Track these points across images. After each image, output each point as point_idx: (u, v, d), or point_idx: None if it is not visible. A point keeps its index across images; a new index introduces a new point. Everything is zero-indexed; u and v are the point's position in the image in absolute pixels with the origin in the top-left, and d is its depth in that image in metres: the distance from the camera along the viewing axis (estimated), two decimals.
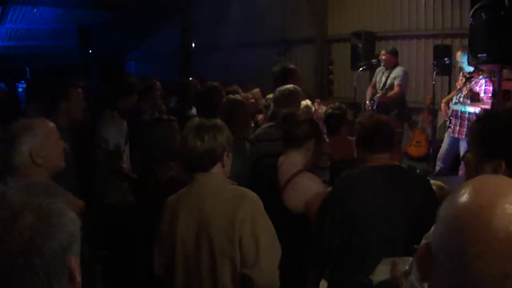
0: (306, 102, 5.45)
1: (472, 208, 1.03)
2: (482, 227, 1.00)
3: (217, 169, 2.70)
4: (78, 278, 1.32)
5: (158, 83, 5.71)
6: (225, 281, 2.55)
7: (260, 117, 5.87)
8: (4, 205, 1.30)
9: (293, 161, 3.52)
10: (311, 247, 3.24)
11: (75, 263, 1.31)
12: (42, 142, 2.58)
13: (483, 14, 5.08)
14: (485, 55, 5.08)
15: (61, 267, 1.27)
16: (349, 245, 2.92)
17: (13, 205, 1.28)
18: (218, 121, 2.81)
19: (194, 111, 5.59)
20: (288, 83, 4.70)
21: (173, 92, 6.74)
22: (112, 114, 4.78)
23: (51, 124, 2.75)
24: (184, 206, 2.66)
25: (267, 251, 2.55)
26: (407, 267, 2.30)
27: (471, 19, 5.37)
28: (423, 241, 1.20)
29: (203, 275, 2.59)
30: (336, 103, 5.34)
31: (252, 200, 2.64)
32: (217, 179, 2.70)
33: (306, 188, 3.39)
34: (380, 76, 8.72)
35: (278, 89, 4.61)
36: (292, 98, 4.50)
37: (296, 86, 4.66)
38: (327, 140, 4.75)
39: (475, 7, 5.19)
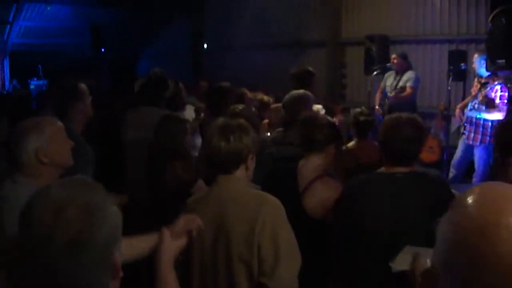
0: (317, 107, 5.44)
1: (476, 227, 0.96)
2: (487, 251, 0.93)
3: (240, 171, 2.63)
4: (121, 273, 1.37)
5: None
6: (242, 286, 2.48)
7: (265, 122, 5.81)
8: (49, 200, 1.30)
9: (313, 165, 3.45)
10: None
11: (118, 257, 1.34)
12: (49, 141, 2.61)
13: (503, 19, 5.03)
14: (504, 61, 5.03)
15: (106, 260, 1.30)
16: (355, 252, 2.88)
17: (59, 200, 1.29)
18: (243, 121, 2.74)
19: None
20: (308, 86, 4.70)
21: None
22: None
23: (59, 123, 2.76)
24: (204, 208, 2.59)
25: (286, 259, 2.45)
26: (428, 261, 2.22)
27: (490, 24, 5.32)
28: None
29: (220, 280, 2.53)
30: (363, 108, 5.37)
31: (274, 205, 2.56)
32: (240, 182, 2.64)
33: (326, 193, 3.32)
34: (391, 81, 8.68)
35: (288, 94, 4.61)
36: (302, 103, 4.48)
37: (306, 92, 4.67)
38: (356, 144, 4.84)
39: (495, 12, 5.14)
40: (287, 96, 4.58)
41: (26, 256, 1.26)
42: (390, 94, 8.49)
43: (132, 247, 2.12)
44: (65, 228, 1.24)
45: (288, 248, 2.48)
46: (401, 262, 2.36)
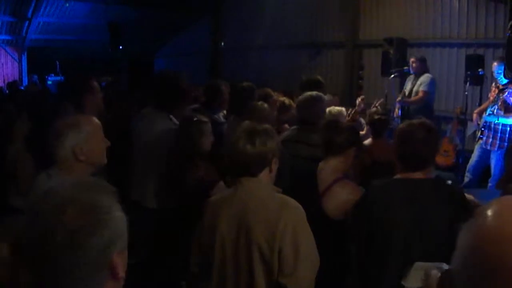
0: (338, 109, 5.49)
1: (492, 237, 0.98)
2: (502, 262, 0.94)
3: (263, 174, 2.69)
4: (122, 273, 1.37)
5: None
6: (262, 287, 2.55)
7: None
8: (47, 199, 1.34)
9: (333, 168, 3.53)
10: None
11: (117, 258, 1.35)
12: (86, 139, 2.67)
13: None
14: None
15: (102, 261, 1.32)
16: (372, 256, 2.91)
17: (57, 199, 1.32)
18: (268, 126, 2.80)
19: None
20: None
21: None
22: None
23: (97, 122, 2.82)
24: (227, 210, 2.66)
25: (305, 261, 2.53)
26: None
27: (509, 31, 5.31)
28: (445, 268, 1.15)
29: (240, 281, 2.60)
30: (379, 107, 5.41)
31: (295, 209, 2.63)
32: (263, 185, 2.69)
33: (345, 196, 3.38)
34: (410, 85, 8.74)
35: (302, 95, 4.68)
36: (315, 104, 4.53)
37: (319, 93, 4.70)
38: (372, 142, 4.90)
39: None
40: (300, 97, 4.66)
41: (27, 248, 1.30)
42: (398, 99, 8.56)
43: None
44: (64, 226, 1.27)
45: (307, 250, 2.56)
46: (414, 280, 2.40)
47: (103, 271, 1.33)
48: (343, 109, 5.63)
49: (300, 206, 2.65)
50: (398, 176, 2.99)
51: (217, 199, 2.80)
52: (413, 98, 8.46)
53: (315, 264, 2.60)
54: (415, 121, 3.03)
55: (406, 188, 2.90)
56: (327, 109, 5.81)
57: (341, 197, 3.41)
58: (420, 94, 8.41)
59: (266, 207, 2.59)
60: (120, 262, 1.36)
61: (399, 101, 8.54)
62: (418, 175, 2.91)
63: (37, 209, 1.33)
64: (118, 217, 1.37)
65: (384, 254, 2.84)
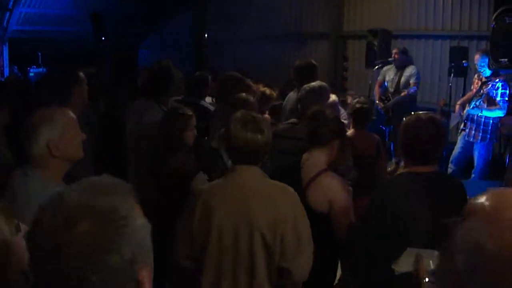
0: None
1: (500, 236, 0.99)
2: None
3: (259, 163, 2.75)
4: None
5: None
6: (262, 274, 2.59)
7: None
8: (61, 209, 1.11)
9: (317, 159, 3.50)
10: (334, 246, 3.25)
11: (145, 273, 1.17)
12: (61, 134, 2.54)
13: (506, 18, 5.03)
14: (506, 59, 5.04)
15: (124, 281, 1.12)
16: (386, 249, 2.86)
17: (71, 209, 1.11)
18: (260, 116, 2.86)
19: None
20: (311, 79, 4.67)
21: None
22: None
23: (71, 115, 2.68)
24: (222, 198, 2.66)
25: (305, 245, 2.62)
26: (431, 262, 2.27)
27: (493, 23, 5.32)
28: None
29: (240, 268, 2.61)
30: (362, 97, 5.37)
31: (294, 195, 2.71)
32: (259, 173, 2.72)
33: (329, 188, 3.38)
34: (391, 75, 8.71)
35: (304, 87, 4.53)
36: (321, 96, 4.46)
37: (322, 83, 4.62)
38: (353, 133, 4.90)
39: (499, 10, 5.14)
40: (303, 89, 4.52)
41: (37, 265, 1.11)
42: (391, 92, 8.53)
43: None
44: (73, 246, 1.07)
45: (306, 234, 2.65)
46: (404, 264, 2.42)
47: None
48: (336, 98, 5.58)
49: (295, 191, 2.72)
50: (407, 170, 3.00)
51: (209, 189, 2.79)
52: (410, 92, 8.43)
53: (312, 247, 2.69)
54: (423, 115, 3.02)
55: (420, 181, 2.90)
56: None
57: (325, 188, 3.39)
58: (413, 86, 8.42)
59: (266, 194, 2.64)
60: (147, 277, 1.18)
61: (397, 98, 8.45)
62: (427, 168, 2.93)
63: (42, 223, 1.11)
64: (140, 226, 1.16)
65: (399, 246, 2.83)
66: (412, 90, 8.32)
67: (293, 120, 4.45)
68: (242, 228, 2.58)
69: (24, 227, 1.62)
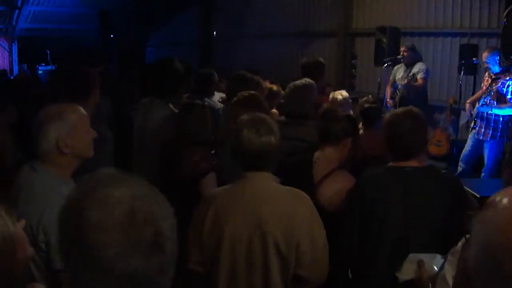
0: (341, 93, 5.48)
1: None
2: None
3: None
4: None
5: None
6: (277, 281, 2.51)
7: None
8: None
9: (329, 158, 3.47)
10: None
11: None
12: (71, 131, 2.51)
13: None
14: None
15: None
16: (366, 244, 2.91)
17: (126, 213, 1.07)
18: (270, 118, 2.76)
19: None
20: (318, 76, 4.61)
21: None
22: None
23: (82, 112, 2.63)
24: (236, 204, 2.57)
25: (322, 251, 2.57)
26: (434, 267, 2.26)
27: (505, 20, 5.29)
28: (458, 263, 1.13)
29: (254, 275, 2.53)
30: (370, 97, 5.32)
31: (308, 200, 2.63)
32: (270, 178, 2.64)
33: (341, 186, 3.32)
34: (401, 73, 8.68)
35: (289, 85, 4.40)
36: (305, 94, 4.29)
37: (309, 80, 4.42)
38: (363, 133, 4.80)
39: (510, 7, 5.10)
40: (287, 88, 4.40)
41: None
42: (403, 82, 8.49)
43: None
44: (154, 270, 1.05)
45: (321, 240, 2.58)
46: (407, 272, 2.42)
47: None
48: (347, 95, 5.55)
49: (308, 196, 2.65)
50: (390, 165, 2.98)
51: (220, 195, 2.69)
52: (416, 83, 8.40)
53: (327, 252, 2.62)
54: (399, 110, 3.04)
55: (397, 176, 2.89)
56: (331, 95, 5.76)
57: (336, 187, 3.35)
58: (420, 81, 8.39)
59: (279, 200, 2.56)
60: None
61: (404, 85, 8.47)
62: (411, 163, 2.91)
63: (75, 228, 1.08)
64: (171, 238, 1.13)
65: (377, 244, 2.85)
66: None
67: (281, 117, 4.37)
68: (256, 237, 2.50)
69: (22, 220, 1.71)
